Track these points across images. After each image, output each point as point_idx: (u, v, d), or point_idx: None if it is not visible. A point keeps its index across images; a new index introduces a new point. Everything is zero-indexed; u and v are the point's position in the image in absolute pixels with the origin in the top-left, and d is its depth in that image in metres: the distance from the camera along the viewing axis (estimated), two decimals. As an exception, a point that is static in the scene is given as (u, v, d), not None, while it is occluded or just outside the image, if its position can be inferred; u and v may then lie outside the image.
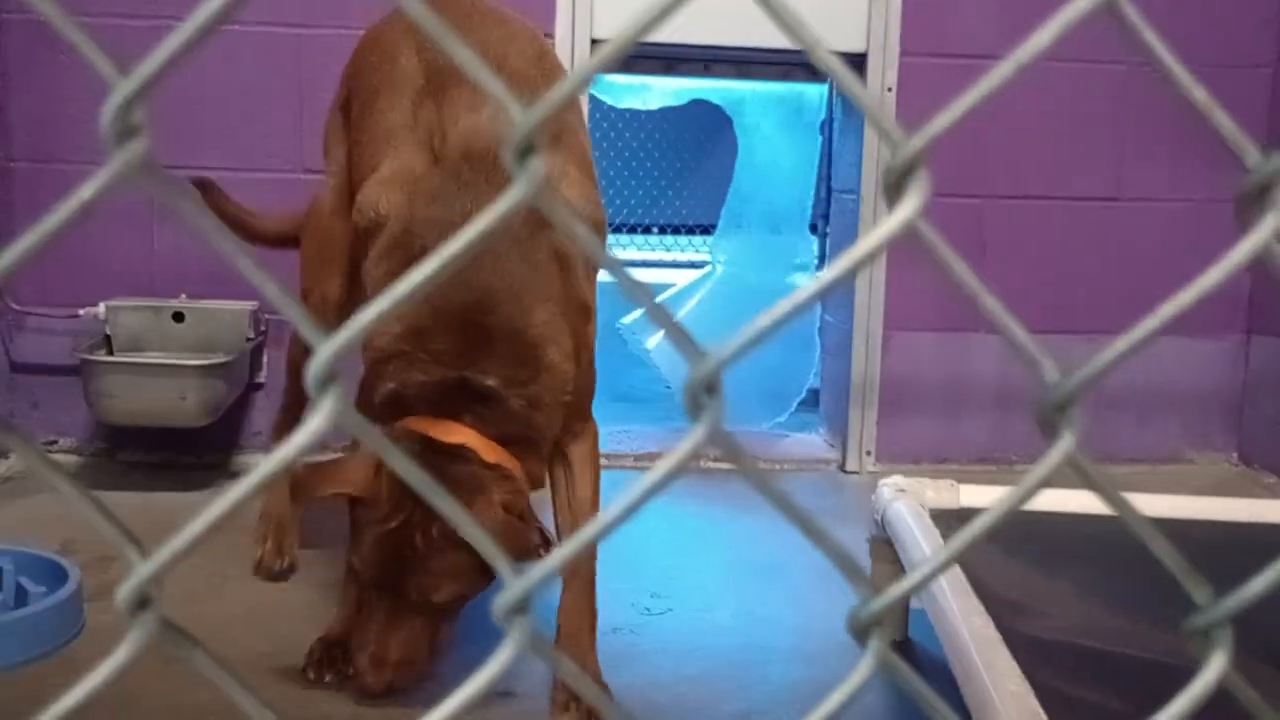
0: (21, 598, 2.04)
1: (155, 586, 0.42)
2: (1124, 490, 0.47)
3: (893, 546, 2.02)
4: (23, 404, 2.97)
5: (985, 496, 2.13)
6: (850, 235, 3.18)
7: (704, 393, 0.42)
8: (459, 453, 1.70)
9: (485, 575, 1.74)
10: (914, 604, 2.06)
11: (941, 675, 1.74)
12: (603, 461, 3.01)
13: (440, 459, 1.67)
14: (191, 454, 2.93)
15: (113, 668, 0.42)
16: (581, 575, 1.89)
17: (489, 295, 1.75)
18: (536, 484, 1.81)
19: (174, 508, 2.65)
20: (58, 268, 2.90)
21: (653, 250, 5.34)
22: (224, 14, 0.38)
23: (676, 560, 2.46)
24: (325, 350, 0.39)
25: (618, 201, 5.25)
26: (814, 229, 3.70)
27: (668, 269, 4.93)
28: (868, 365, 3.13)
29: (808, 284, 0.42)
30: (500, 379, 1.75)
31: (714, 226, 3.93)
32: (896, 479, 2.15)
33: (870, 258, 0.43)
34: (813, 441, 3.31)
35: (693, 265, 4.68)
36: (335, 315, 2.19)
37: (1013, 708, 1.40)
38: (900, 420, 3.09)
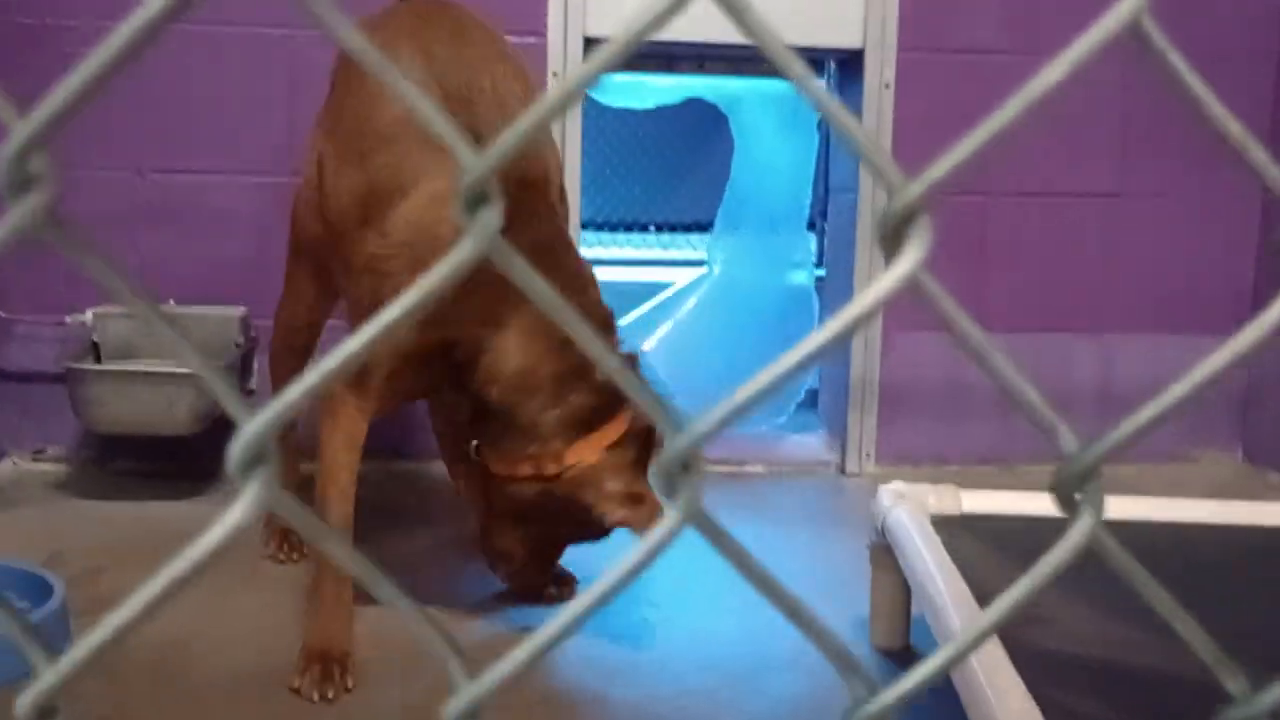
0: (7, 613, 2.00)
1: (60, 696, 0.38)
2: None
3: (893, 554, 1.98)
4: (11, 413, 2.93)
5: (988, 502, 2.09)
6: (848, 234, 3.14)
7: (679, 471, 0.37)
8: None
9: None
10: (915, 610, 2.02)
11: (944, 688, 1.70)
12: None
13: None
14: (183, 462, 2.89)
15: None
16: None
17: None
18: None
19: (168, 517, 2.62)
20: (45, 274, 2.87)
21: (649, 249, 5.30)
22: (137, 45, 0.34)
23: (674, 570, 2.42)
24: (252, 427, 0.36)
25: (614, 200, 5.22)
26: (811, 227, 3.66)
27: (664, 267, 4.89)
28: (867, 366, 3.09)
29: (797, 348, 0.38)
30: None
31: (710, 224, 3.89)
32: (897, 484, 2.11)
33: (867, 317, 0.39)
34: (812, 443, 3.27)
35: (689, 264, 4.65)
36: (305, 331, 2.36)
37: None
38: (901, 421, 3.06)
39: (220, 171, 2.89)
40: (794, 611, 0.41)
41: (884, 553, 2.05)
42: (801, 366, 0.38)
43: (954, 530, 1.96)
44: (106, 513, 2.66)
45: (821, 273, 3.51)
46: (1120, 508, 2.04)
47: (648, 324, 3.78)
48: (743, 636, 2.11)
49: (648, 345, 3.64)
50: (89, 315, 2.76)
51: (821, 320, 3.38)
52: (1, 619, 0.40)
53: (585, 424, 1.95)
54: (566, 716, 1.81)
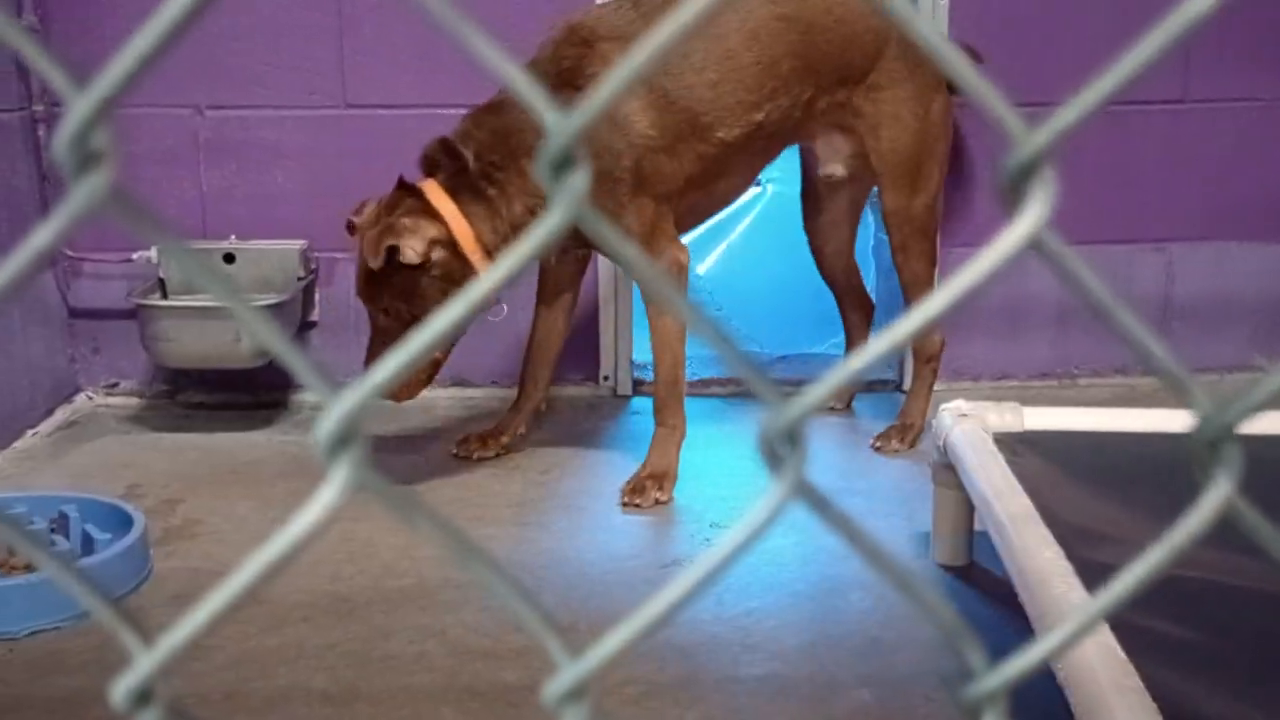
0: (88, 545, 2.07)
1: (161, 681, 0.38)
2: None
3: (955, 472, 1.99)
4: (84, 349, 2.99)
5: (1050, 419, 2.08)
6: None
7: (784, 443, 0.36)
8: (411, 191, 2.28)
9: (436, 299, 2.24)
10: (978, 527, 2.03)
11: (1007, 603, 1.71)
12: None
13: (398, 193, 2.29)
14: (250, 394, 2.94)
15: None
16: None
17: (505, 106, 2.26)
18: (477, 238, 2.27)
19: (237, 447, 2.68)
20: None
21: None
22: (196, 12, 0.33)
23: (735, 489, 2.44)
24: (340, 408, 0.35)
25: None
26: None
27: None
28: (926, 282, 3.06)
29: (901, 322, 0.37)
30: (475, 152, 2.25)
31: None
32: (958, 403, 2.10)
33: (987, 282, 0.36)
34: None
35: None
36: None
37: (1090, 646, 1.36)
38: (959, 338, 3.03)
39: (275, 106, 2.90)
40: (905, 583, 0.40)
41: (946, 471, 2.05)
42: (911, 335, 0.37)
43: (1017, 448, 1.96)
44: (179, 444, 2.72)
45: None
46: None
47: (702, 246, 3.76)
48: (807, 557, 2.12)
49: (702, 268, 3.63)
50: (154, 252, 2.80)
51: (875, 238, 3.34)
52: (98, 605, 0.39)
53: None
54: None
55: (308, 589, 1.98)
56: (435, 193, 2.26)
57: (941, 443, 2.05)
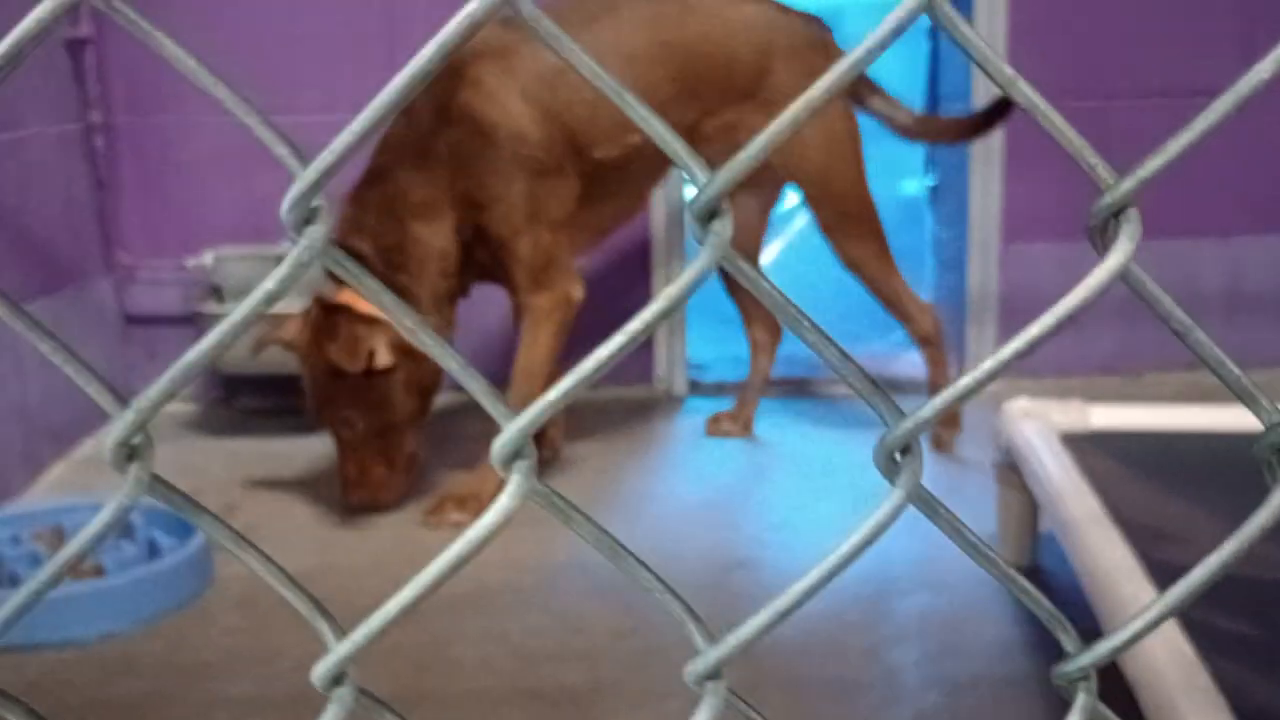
0: (154, 550, 2.09)
1: (352, 665, 0.45)
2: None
3: (1019, 471, 1.96)
4: (139, 355, 3.02)
5: (1117, 417, 2.04)
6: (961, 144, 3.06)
7: (899, 453, 0.42)
8: (339, 309, 2.23)
9: (402, 399, 2.26)
10: (1043, 528, 2.00)
11: (1074, 606, 1.68)
12: (708, 390, 2.97)
13: (328, 315, 2.24)
14: (303, 398, 2.95)
15: None
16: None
17: (382, 174, 2.26)
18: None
19: (293, 452, 2.69)
20: (163, 220, 2.93)
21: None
22: (399, 102, 0.39)
23: (795, 492, 2.43)
24: (515, 425, 0.41)
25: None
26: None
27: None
28: (985, 279, 3.03)
29: (1006, 347, 0.42)
30: (371, 241, 2.25)
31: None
32: (1022, 401, 2.07)
33: (1081, 310, 0.42)
34: (928, 359, 3.22)
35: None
36: None
37: (1159, 645, 1.34)
38: (1020, 334, 2.99)
39: (324, 111, 2.91)
40: (1009, 576, 0.44)
41: (1009, 471, 2.02)
42: (1019, 356, 0.42)
43: (1083, 446, 1.92)
44: (236, 450, 2.74)
45: (932, 181, 3.43)
46: None
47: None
48: (867, 558, 2.09)
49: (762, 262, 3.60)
50: (208, 258, 2.82)
51: (934, 235, 3.31)
52: (296, 595, 0.47)
53: None
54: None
55: (370, 593, 1.98)
56: (359, 301, 2.20)
57: (1005, 442, 2.01)
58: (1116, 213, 0.41)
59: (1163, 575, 1.48)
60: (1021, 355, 0.41)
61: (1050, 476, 1.80)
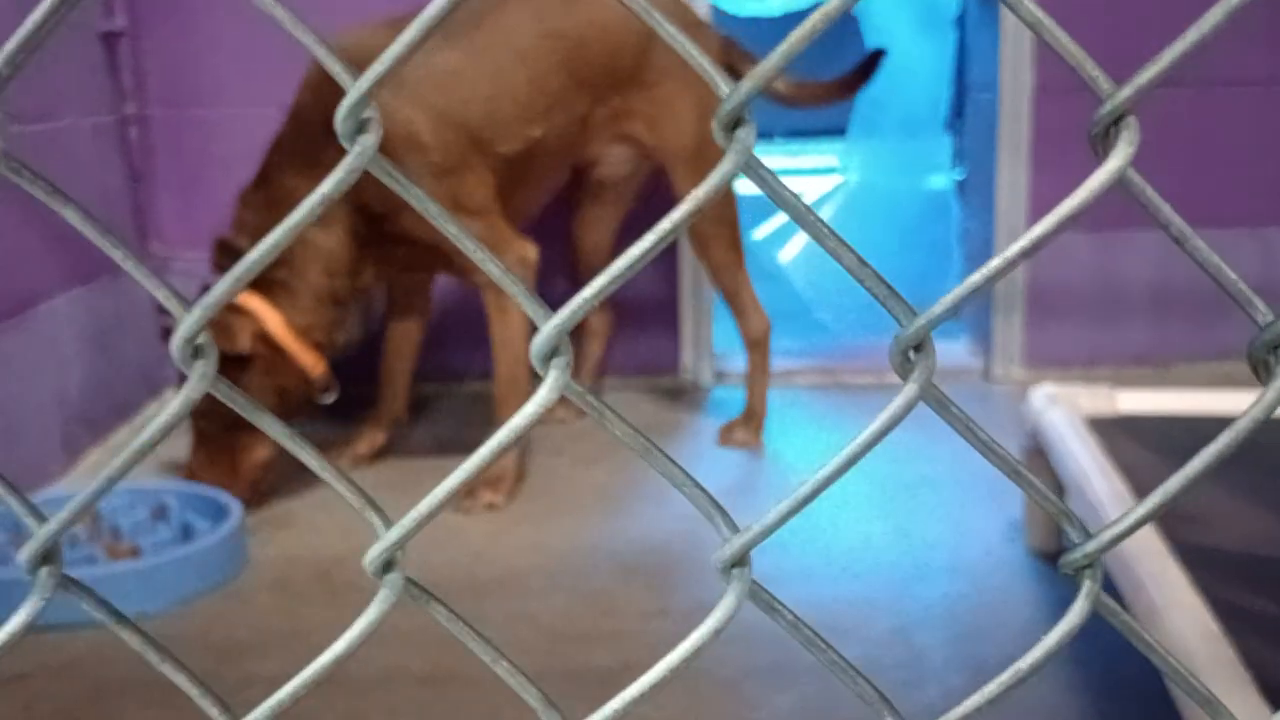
0: (188, 533, 2.12)
1: (400, 551, 0.48)
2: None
3: (1046, 457, 1.96)
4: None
5: (1145, 402, 2.05)
6: (988, 135, 3.06)
7: (913, 350, 0.44)
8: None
9: (257, 393, 2.20)
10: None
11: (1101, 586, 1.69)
12: (735, 380, 2.99)
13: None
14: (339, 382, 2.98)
15: (365, 626, 0.49)
16: None
17: (270, 177, 2.34)
18: (288, 323, 2.28)
19: (320, 439, 2.72)
20: (196, 210, 2.97)
21: (777, 156, 5.24)
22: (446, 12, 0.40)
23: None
24: (551, 323, 0.43)
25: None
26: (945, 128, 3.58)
27: (792, 176, 4.83)
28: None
29: (1014, 245, 0.42)
30: (250, 239, 2.25)
31: (838, 130, 3.83)
32: (1048, 387, 2.08)
33: (1080, 212, 0.43)
34: (955, 349, 3.23)
35: (817, 172, 4.59)
36: None
37: (1185, 623, 1.35)
38: (1048, 324, 2.99)
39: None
40: (1016, 471, 0.46)
41: (1036, 456, 2.02)
42: (1014, 263, 0.42)
43: (1110, 432, 1.93)
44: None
45: (959, 175, 3.43)
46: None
47: (783, 235, 3.76)
48: (894, 543, 2.11)
49: (785, 256, 3.62)
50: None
51: (962, 227, 3.31)
52: (345, 488, 0.50)
53: None
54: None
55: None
56: (245, 294, 2.22)
57: (1031, 427, 2.02)
58: (1116, 120, 0.42)
59: (1189, 556, 1.49)
60: (1027, 254, 0.42)
61: (1077, 461, 1.81)
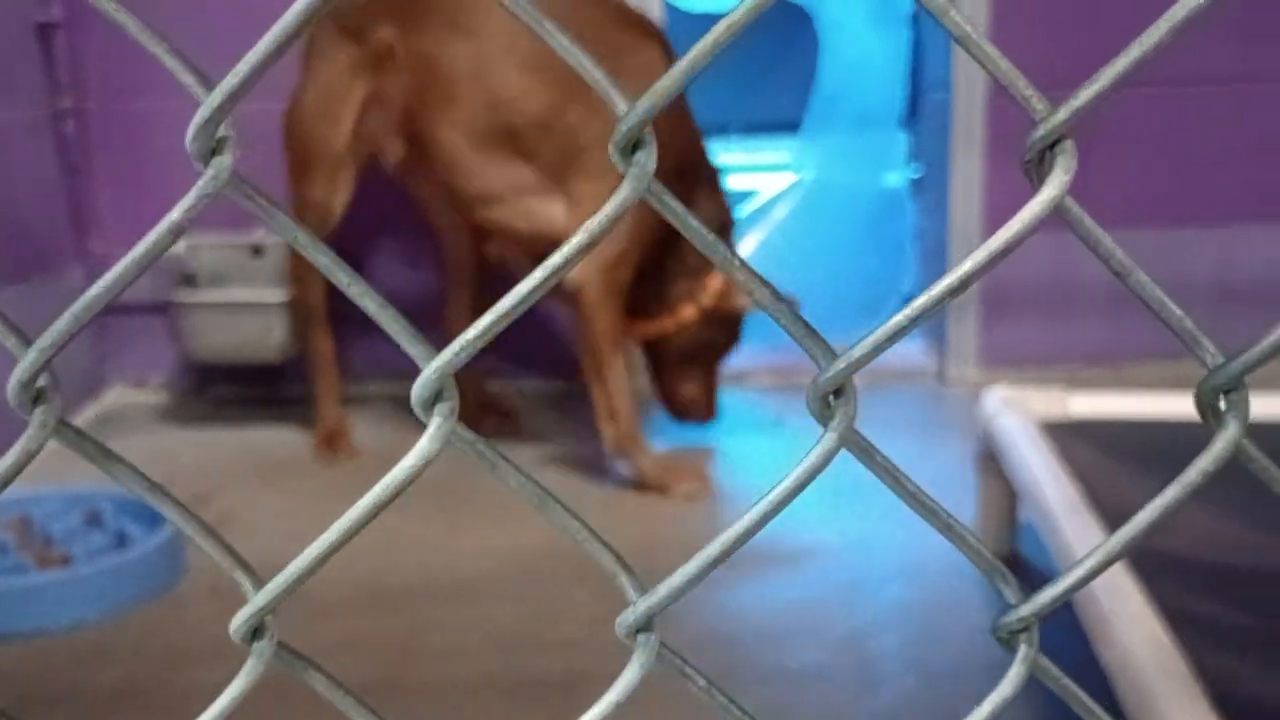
0: (123, 540, 2.06)
1: (270, 617, 0.44)
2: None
3: (999, 461, 1.94)
4: (113, 344, 2.98)
5: (1097, 405, 2.03)
6: (942, 134, 3.04)
7: (833, 396, 0.41)
8: None
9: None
10: (1022, 517, 1.98)
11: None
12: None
13: None
14: (279, 388, 2.93)
15: (226, 703, 0.45)
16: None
17: None
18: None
19: (266, 442, 2.67)
20: (137, 206, 2.90)
21: (733, 153, 5.21)
22: (309, 19, 0.37)
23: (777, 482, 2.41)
24: (433, 366, 0.40)
25: (696, 104, 5.12)
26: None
27: (749, 173, 4.81)
28: (965, 268, 3.01)
29: (939, 284, 0.39)
30: None
31: (792, 124, 3.80)
32: (1000, 390, 2.06)
33: (1018, 241, 0.40)
34: (909, 351, 3.21)
35: (773, 168, 4.57)
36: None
37: (1134, 631, 1.33)
38: (1003, 325, 2.98)
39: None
40: (947, 526, 0.43)
41: (989, 460, 2.01)
42: (952, 293, 0.39)
43: (1062, 435, 1.91)
44: (208, 439, 2.71)
45: (915, 173, 3.42)
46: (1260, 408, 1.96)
47: (740, 231, 3.73)
48: (848, 548, 2.09)
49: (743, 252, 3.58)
50: (182, 246, 2.79)
51: (916, 226, 3.30)
52: (216, 549, 0.46)
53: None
54: (674, 626, 1.82)
55: (348, 583, 1.96)
56: None
57: (985, 430, 2.00)
58: (1052, 144, 0.40)
59: (1142, 561, 1.47)
60: (954, 293, 0.39)
61: (1029, 465, 1.79)
